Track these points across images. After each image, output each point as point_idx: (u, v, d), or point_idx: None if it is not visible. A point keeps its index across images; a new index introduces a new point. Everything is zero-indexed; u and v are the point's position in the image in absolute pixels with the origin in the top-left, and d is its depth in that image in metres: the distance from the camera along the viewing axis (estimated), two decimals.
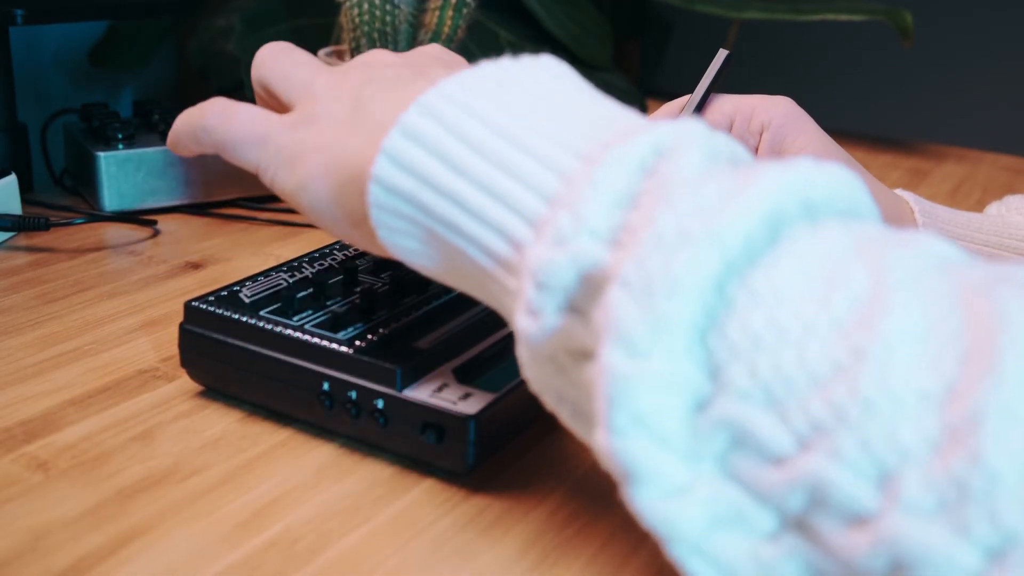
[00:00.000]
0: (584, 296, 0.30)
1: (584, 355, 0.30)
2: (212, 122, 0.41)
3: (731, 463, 0.27)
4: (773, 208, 0.28)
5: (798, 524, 0.26)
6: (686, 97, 0.53)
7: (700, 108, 0.52)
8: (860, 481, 0.25)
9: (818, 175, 0.29)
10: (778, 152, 0.51)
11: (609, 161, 0.30)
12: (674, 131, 0.31)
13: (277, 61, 0.42)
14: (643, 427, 0.27)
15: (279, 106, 0.42)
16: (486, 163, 0.32)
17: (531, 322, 0.31)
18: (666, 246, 0.28)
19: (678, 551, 0.27)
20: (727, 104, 0.52)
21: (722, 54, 0.51)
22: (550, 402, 0.33)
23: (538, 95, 0.34)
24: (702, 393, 0.27)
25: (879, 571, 0.25)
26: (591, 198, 0.30)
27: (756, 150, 0.52)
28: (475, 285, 0.35)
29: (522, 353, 0.32)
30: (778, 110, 0.51)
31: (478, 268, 0.33)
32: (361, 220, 0.36)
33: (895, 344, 0.25)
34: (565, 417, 0.32)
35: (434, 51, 0.42)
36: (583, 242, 0.29)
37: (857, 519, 0.25)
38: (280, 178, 0.39)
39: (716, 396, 0.27)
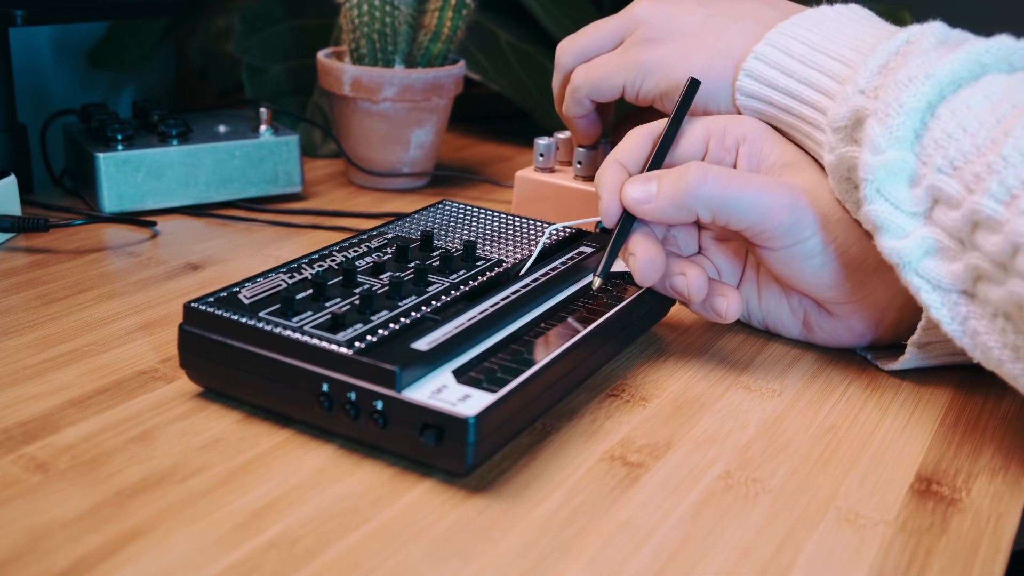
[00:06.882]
0: (855, 128, 0.49)
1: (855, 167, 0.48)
2: (578, 81, 0.63)
3: (933, 215, 0.46)
4: (978, 59, 0.46)
5: (970, 243, 0.43)
6: (657, 123, 0.55)
7: (673, 133, 0.54)
8: (998, 204, 0.41)
9: (1018, 46, 0.47)
10: (759, 163, 0.54)
11: (875, 51, 0.50)
12: (920, 27, 0.50)
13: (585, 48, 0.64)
14: (883, 196, 0.47)
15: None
16: (808, 68, 0.54)
17: (829, 153, 0.51)
18: (899, 86, 0.47)
19: (905, 274, 0.46)
20: (698, 128, 0.55)
21: (691, 82, 0.56)
22: (839, 192, 0.51)
23: (838, 23, 0.55)
24: (916, 173, 0.46)
25: (1007, 255, 0.41)
26: (861, 73, 0.50)
27: (735, 165, 0.55)
28: (795, 140, 0.56)
29: (829, 172, 0.51)
30: (750, 126, 0.55)
31: (798, 130, 0.55)
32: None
33: None
34: (841, 195, 0.51)
35: None
36: (855, 98, 0.49)
37: (995, 226, 0.42)
38: (647, 85, 0.59)
39: (924, 174, 0.46)
